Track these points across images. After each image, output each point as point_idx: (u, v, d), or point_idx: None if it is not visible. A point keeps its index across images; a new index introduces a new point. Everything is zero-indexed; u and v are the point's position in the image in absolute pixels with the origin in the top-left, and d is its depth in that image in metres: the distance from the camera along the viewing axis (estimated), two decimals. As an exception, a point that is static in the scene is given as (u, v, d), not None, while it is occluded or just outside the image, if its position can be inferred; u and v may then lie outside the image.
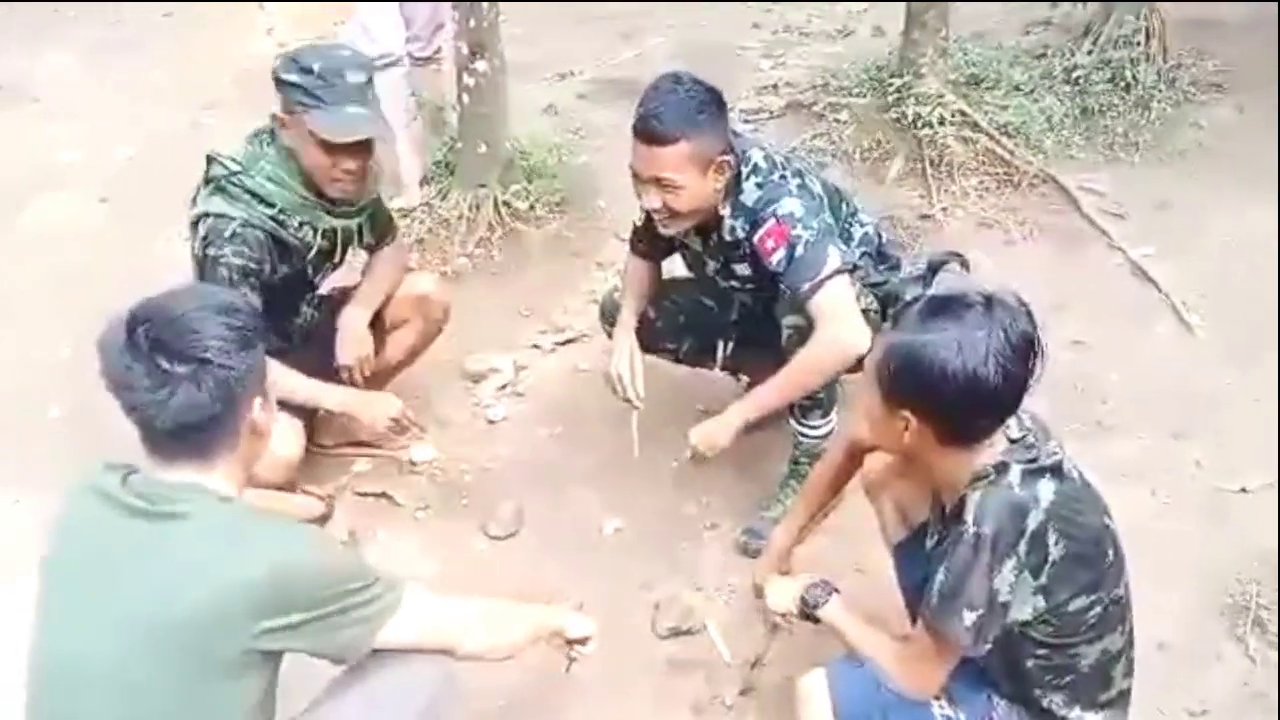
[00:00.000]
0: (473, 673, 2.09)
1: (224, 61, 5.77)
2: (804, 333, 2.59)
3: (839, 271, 2.54)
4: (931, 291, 1.79)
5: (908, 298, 1.80)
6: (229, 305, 1.74)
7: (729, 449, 2.72)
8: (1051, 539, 1.79)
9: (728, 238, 2.68)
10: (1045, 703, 1.96)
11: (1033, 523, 1.77)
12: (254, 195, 2.69)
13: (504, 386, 3.49)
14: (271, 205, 2.71)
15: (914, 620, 2.25)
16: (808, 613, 2.18)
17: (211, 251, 2.67)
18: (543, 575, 2.81)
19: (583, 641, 2.19)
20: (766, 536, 2.81)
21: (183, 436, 1.66)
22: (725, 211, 2.65)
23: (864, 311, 2.59)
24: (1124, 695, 2.01)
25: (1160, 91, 4.59)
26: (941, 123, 4.35)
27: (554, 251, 4.12)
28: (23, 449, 3.32)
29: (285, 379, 2.64)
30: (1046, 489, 1.80)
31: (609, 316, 3.11)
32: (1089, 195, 4.15)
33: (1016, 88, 4.63)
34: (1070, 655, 1.91)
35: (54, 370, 3.63)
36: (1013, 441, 1.86)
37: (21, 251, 4.29)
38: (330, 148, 2.65)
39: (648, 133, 2.55)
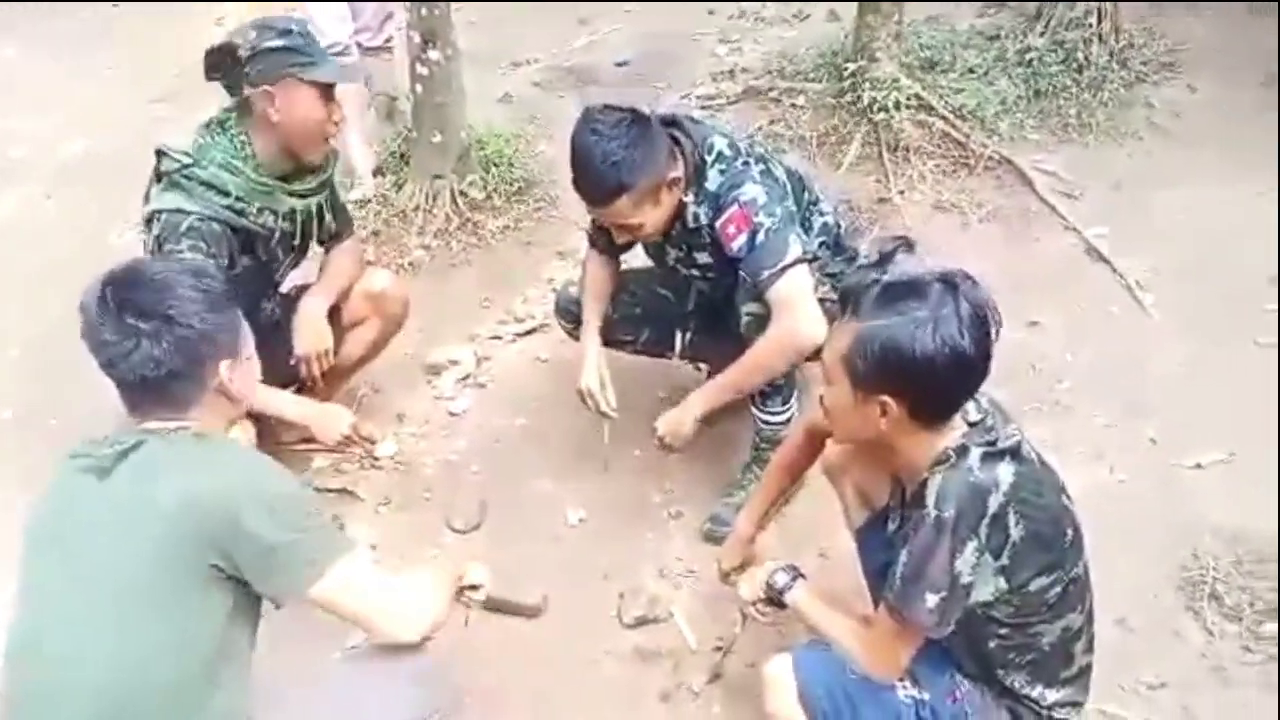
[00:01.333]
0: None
1: (174, 54, 5.65)
2: (762, 320, 2.59)
3: (799, 261, 2.54)
4: (886, 277, 1.80)
5: (863, 285, 1.80)
6: (199, 269, 1.87)
7: (701, 438, 2.75)
8: (1012, 520, 1.80)
9: (690, 224, 2.68)
10: (1008, 682, 1.99)
11: (993, 505, 1.79)
12: (208, 186, 2.65)
13: (465, 378, 3.48)
14: (227, 194, 2.66)
15: (877, 603, 2.28)
16: (774, 597, 2.19)
17: (168, 247, 2.62)
18: (508, 567, 2.78)
19: (474, 588, 2.16)
20: (730, 523, 2.83)
21: (147, 389, 1.76)
22: (689, 199, 2.65)
23: (821, 301, 2.60)
24: (1085, 671, 2.04)
25: (1112, 72, 4.62)
26: (897, 107, 4.36)
27: (512, 241, 4.10)
28: (-27, 452, 3.26)
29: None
30: (1006, 471, 1.82)
31: (564, 311, 3.11)
32: (1043, 176, 4.17)
33: (970, 70, 4.65)
34: (1031, 634, 1.93)
35: (4, 371, 3.58)
36: (971, 424, 1.87)
37: (-33, 249, 4.21)
38: (329, 99, 2.69)
39: (586, 195, 2.61)
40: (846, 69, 4.52)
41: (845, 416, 1.91)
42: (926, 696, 1.99)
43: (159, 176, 2.71)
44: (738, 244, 2.57)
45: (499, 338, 3.66)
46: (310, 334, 2.87)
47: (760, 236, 2.54)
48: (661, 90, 5.03)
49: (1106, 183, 4.17)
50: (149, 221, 2.69)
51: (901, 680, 2.00)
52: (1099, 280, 3.71)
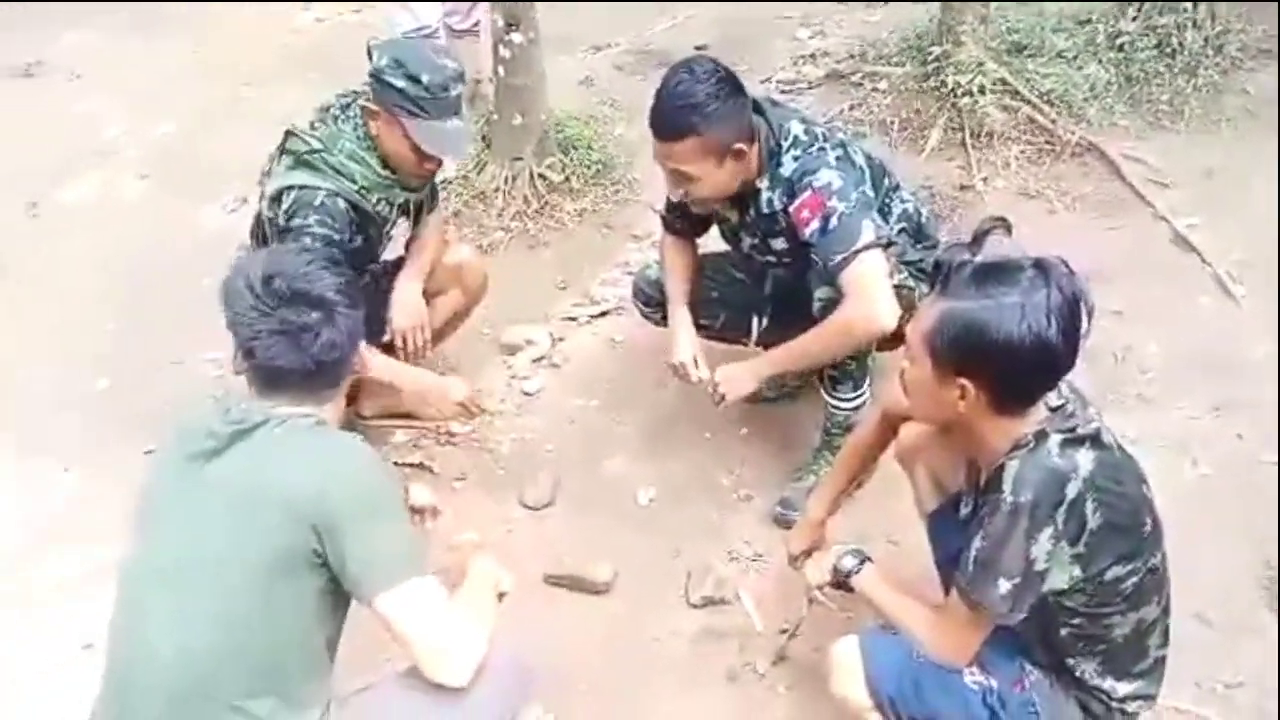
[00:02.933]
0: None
1: (262, 36, 5.80)
2: (835, 304, 2.58)
3: (872, 245, 2.52)
4: (979, 258, 1.78)
5: (954, 264, 1.79)
6: (333, 259, 1.98)
7: (769, 421, 2.74)
8: (1089, 508, 1.78)
9: (765, 210, 2.67)
10: (1078, 672, 1.96)
11: (1071, 491, 1.77)
12: (337, 171, 2.76)
13: (540, 358, 3.51)
14: (354, 181, 2.77)
15: (947, 589, 2.26)
16: (841, 581, 2.19)
17: (297, 221, 2.72)
18: (578, 544, 2.84)
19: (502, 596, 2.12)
20: (799, 507, 2.84)
21: (305, 375, 1.80)
22: (763, 184, 2.65)
23: (897, 288, 2.59)
24: (1158, 665, 2.00)
25: (1207, 58, 4.49)
26: (982, 91, 4.29)
27: (589, 224, 4.12)
28: (72, 420, 3.39)
29: (366, 355, 2.72)
30: (1085, 458, 1.79)
31: (642, 294, 3.11)
32: (1133, 164, 4.08)
33: (1059, 55, 4.54)
34: (1105, 625, 1.90)
35: (100, 343, 3.71)
36: (1052, 410, 1.85)
37: (64, 227, 4.35)
38: (425, 154, 2.74)
39: (656, 127, 2.60)
40: (931, 53, 4.46)
41: (924, 396, 1.89)
42: (994, 684, 1.98)
43: (284, 153, 2.81)
44: (811, 228, 2.56)
45: (574, 319, 3.68)
46: (409, 311, 2.97)
47: (834, 221, 2.53)
48: (742, 74, 5.00)
49: (1198, 171, 4.07)
50: (277, 197, 2.77)
51: (969, 666, 1.98)
52: (1188, 270, 3.62)
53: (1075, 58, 4.54)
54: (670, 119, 2.54)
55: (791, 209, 2.59)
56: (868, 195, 2.62)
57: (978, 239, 1.82)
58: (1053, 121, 4.26)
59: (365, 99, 2.77)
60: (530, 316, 3.67)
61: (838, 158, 2.62)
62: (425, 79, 2.66)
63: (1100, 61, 4.52)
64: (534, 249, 4.02)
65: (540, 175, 4.18)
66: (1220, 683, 2.37)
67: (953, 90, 4.34)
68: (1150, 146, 4.21)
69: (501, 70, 4.10)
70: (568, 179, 4.22)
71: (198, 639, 1.75)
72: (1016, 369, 1.77)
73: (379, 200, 2.84)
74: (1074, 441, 1.81)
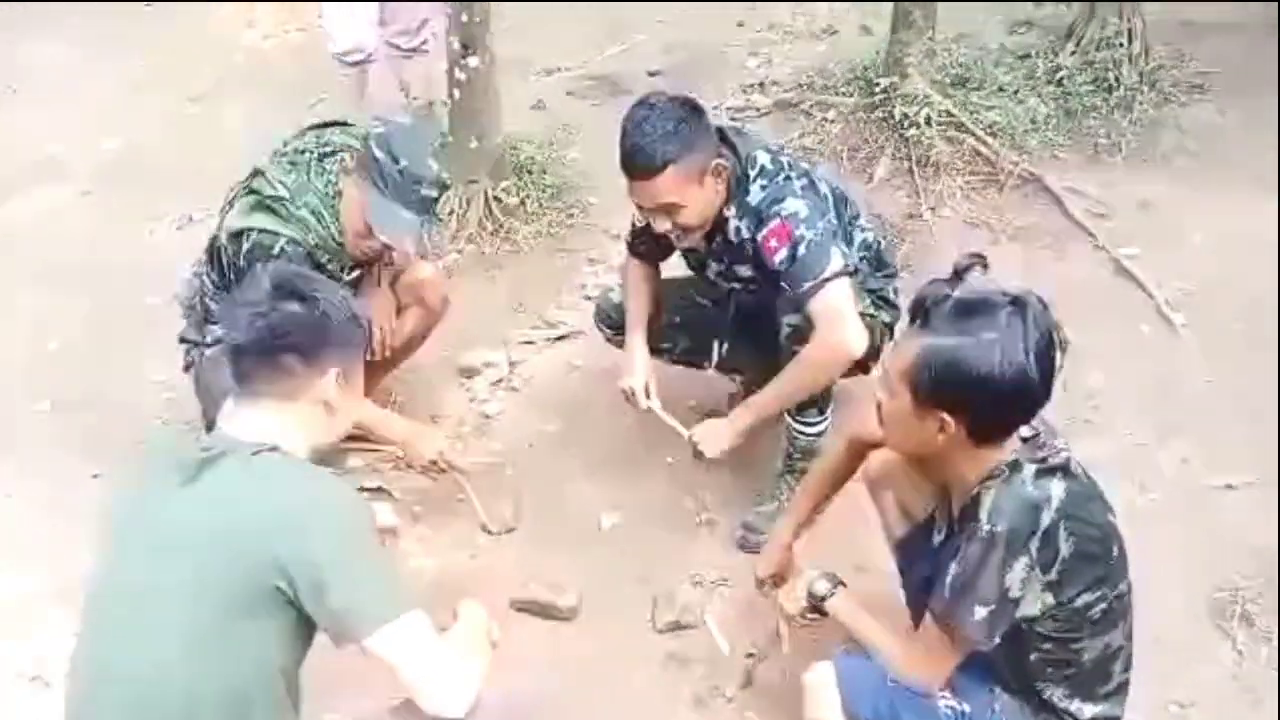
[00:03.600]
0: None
1: (208, 53, 5.73)
2: (803, 331, 2.62)
3: (840, 274, 2.57)
4: (957, 294, 1.82)
5: (935, 299, 1.83)
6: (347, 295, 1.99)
7: (737, 447, 2.79)
8: (1062, 536, 1.83)
9: (732, 239, 2.70)
10: (1046, 695, 2.00)
11: (1045, 521, 1.82)
12: (298, 222, 2.75)
13: (499, 381, 3.51)
14: (311, 235, 2.77)
15: (916, 615, 2.30)
16: (815, 605, 2.22)
17: (258, 267, 2.68)
18: (542, 570, 2.83)
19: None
20: (762, 531, 2.87)
21: (266, 356, 1.80)
22: (730, 212, 2.68)
23: (861, 315, 2.64)
24: (1122, 688, 2.05)
25: (1142, 93, 4.64)
26: (928, 123, 4.38)
27: (545, 247, 4.14)
28: (14, 442, 3.30)
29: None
30: (1058, 488, 1.84)
31: (605, 316, 3.13)
32: (1073, 196, 4.19)
33: (1001, 88, 4.66)
34: (1073, 649, 1.95)
35: (44, 363, 3.62)
36: (1024, 440, 1.90)
37: (6, 245, 4.25)
38: (370, 232, 2.74)
39: (634, 169, 2.61)
40: (878, 84, 4.55)
41: (901, 428, 1.93)
42: (967, 708, 2.01)
43: (249, 191, 2.79)
44: (779, 257, 2.59)
45: (532, 342, 3.69)
46: (379, 303, 2.98)
47: (801, 249, 2.57)
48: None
49: (1135, 203, 4.19)
50: (237, 235, 2.75)
51: (942, 691, 2.02)
52: (1129, 300, 3.73)
53: (1016, 91, 4.66)
54: (646, 156, 2.56)
55: (759, 238, 2.62)
56: (833, 224, 2.67)
57: (958, 274, 1.87)
58: (996, 153, 4.37)
59: (351, 155, 2.79)
60: (487, 339, 3.67)
61: (803, 186, 2.66)
62: (403, 163, 2.68)
63: (1040, 95, 4.65)
64: (489, 271, 4.01)
65: (495, 198, 4.18)
66: (1174, 703, 2.44)
67: (900, 121, 4.42)
68: (1089, 178, 4.33)
69: (457, 93, 4.10)
70: (523, 202, 4.23)
71: (160, 670, 1.72)
72: (995, 404, 1.81)
73: (328, 260, 2.83)
74: (1047, 471, 1.86)
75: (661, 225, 2.70)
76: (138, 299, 3.89)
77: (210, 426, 2.85)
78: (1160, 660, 2.52)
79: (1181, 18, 5.12)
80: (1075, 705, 2.01)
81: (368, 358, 2.90)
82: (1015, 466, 1.86)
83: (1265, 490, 2.95)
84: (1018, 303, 1.80)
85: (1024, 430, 1.91)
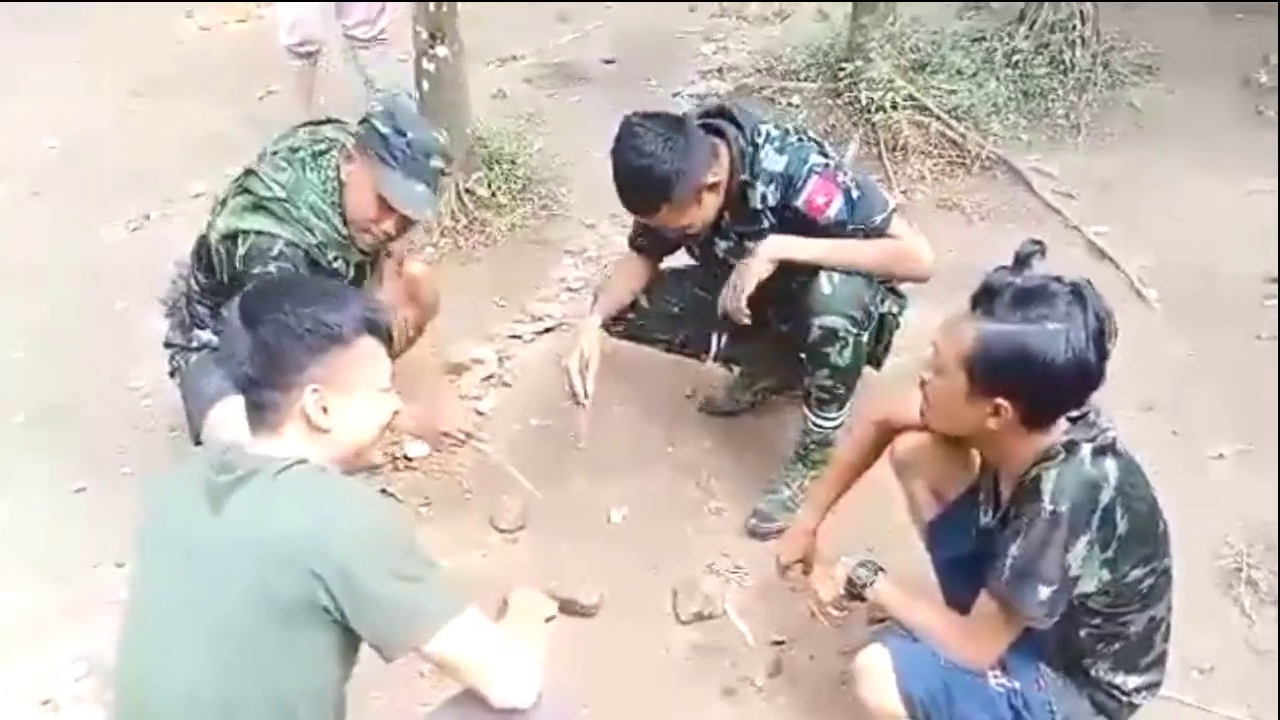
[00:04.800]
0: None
1: (145, 46, 5.55)
2: (833, 333, 2.65)
3: (896, 207, 2.70)
4: (1019, 280, 1.84)
5: (1000, 285, 1.84)
6: (334, 291, 1.85)
7: (732, 433, 2.90)
8: (1119, 514, 1.86)
9: (756, 205, 2.69)
10: (1093, 670, 2.04)
11: (1104, 499, 1.85)
12: (298, 222, 2.67)
13: (489, 377, 3.46)
14: (313, 235, 2.68)
15: (946, 593, 2.33)
16: (855, 593, 2.22)
17: (256, 269, 2.62)
18: (556, 566, 2.79)
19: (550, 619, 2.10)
20: (775, 519, 2.89)
21: (246, 396, 1.73)
22: (745, 176, 2.67)
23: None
24: (1162, 657, 2.10)
25: (1096, 74, 4.75)
26: (894, 107, 4.44)
27: (520, 239, 4.09)
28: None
29: None
30: (1112, 466, 1.87)
31: None
32: (1040, 177, 4.28)
33: (959, 72, 4.73)
34: (1121, 623, 1.99)
35: (10, 373, 3.47)
36: (1073, 420, 1.92)
37: (-44, 251, 4.07)
38: (383, 209, 2.65)
39: (629, 207, 2.71)
40: (843, 69, 4.58)
41: (951, 410, 1.94)
42: (1017, 685, 2.03)
43: (242, 192, 2.70)
44: (835, 209, 2.62)
45: (518, 337, 3.64)
46: (389, 292, 2.92)
47: (855, 193, 2.63)
48: (651, 89, 5.05)
49: (1098, 182, 4.30)
50: (233, 237, 2.66)
51: (993, 669, 2.04)
52: (1102, 277, 3.75)
53: (975, 74, 4.73)
54: (638, 201, 2.65)
55: (799, 202, 2.63)
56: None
57: (1021, 261, 1.88)
58: (962, 136, 4.44)
59: (349, 142, 2.71)
60: (472, 335, 3.61)
61: (817, 145, 2.71)
62: (410, 135, 2.62)
63: (998, 79, 4.73)
64: (466, 265, 3.95)
65: (468, 190, 4.12)
66: (1194, 669, 2.50)
67: (866, 106, 4.47)
68: (1052, 159, 4.42)
69: (425, 84, 4.02)
70: (494, 194, 4.17)
71: (201, 689, 1.66)
72: (1055, 389, 1.84)
73: (335, 257, 2.75)
74: (1101, 450, 1.89)
75: (672, 235, 2.79)
76: (102, 303, 3.75)
77: (196, 434, 2.78)
78: (1175, 628, 2.58)
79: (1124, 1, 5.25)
80: (1120, 678, 2.05)
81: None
82: (1071, 447, 1.88)
83: (1256, 458, 3.04)
84: (1076, 291, 1.83)
85: (1073, 411, 1.93)
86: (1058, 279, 1.85)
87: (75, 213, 4.26)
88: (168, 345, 2.97)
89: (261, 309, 1.72)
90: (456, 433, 2.83)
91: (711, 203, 2.68)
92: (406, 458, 3.12)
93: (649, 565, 2.83)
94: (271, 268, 2.61)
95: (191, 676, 1.66)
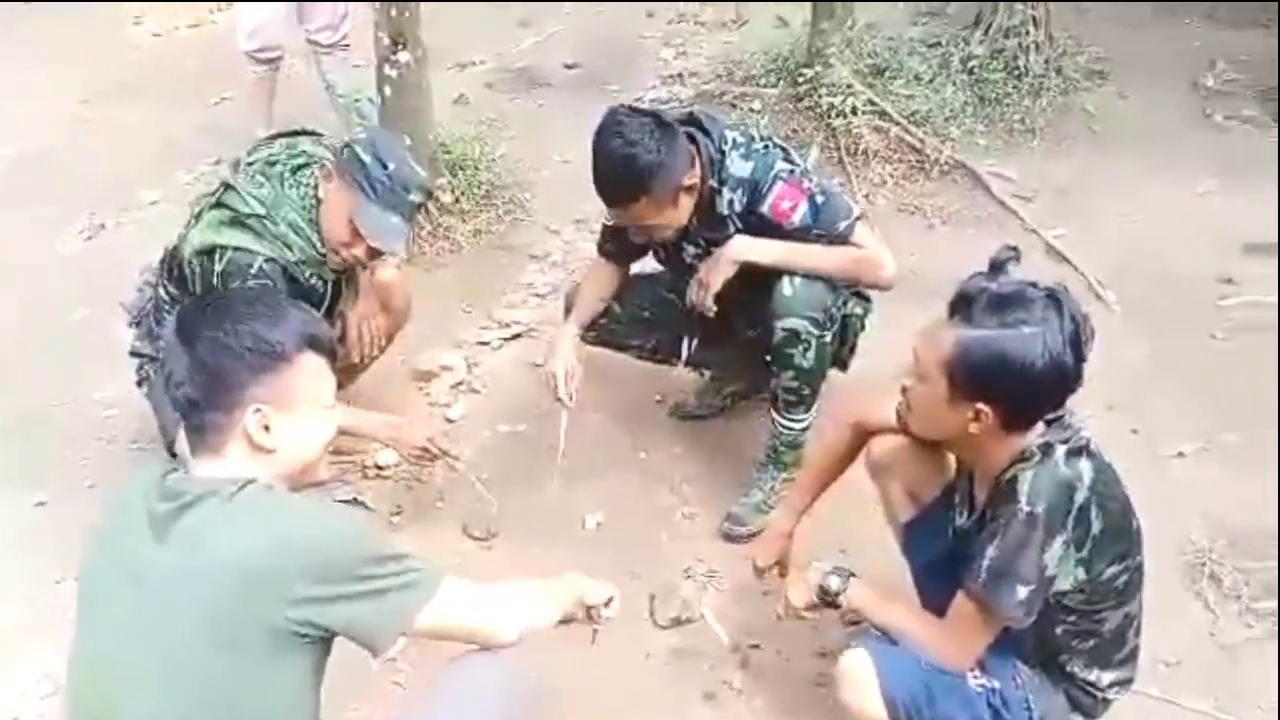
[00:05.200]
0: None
1: (96, 53, 5.49)
2: (798, 335, 2.67)
3: (861, 215, 2.71)
4: (994, 286, 1.86)
5: (975, 290, 1.87)
6: (278, 304, 1.78)
7: (702, 438, 2.93)
8: (1093, 513, 1.90)
9: (723, 211, 2.70)
10: (1068, 667, 2.07)
11: (1079, 499, 1.88)
12: (276, 239, 2.66)
13: (458, 384, 3.44)
14: (291, 251, 2.67)
15: (922, 594, 2.35)
16: (829, 600, 2.24)
17: (234, 285, 2.60)
18: (534, 573, 2.75)
19: (606, 604, 2.15)
20: (748, 522, 2.91)
21: (185, 418, 1.67)
22: (713, 183, 2.68)
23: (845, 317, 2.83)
24: (1135, 652, 2.14)
25: (1049, 79, 4.84)
26: (854, 112, 4.48)
27: (485, 245, 4.08)
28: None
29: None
30: (1086, 466, 1.91)
31: (571, 311, 3.10)
32: (998, 181, 4.35)
33: (917, 77, 4.80)
34: (1096, 620, 2.02)
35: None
36: (1049, 423, 1.96)
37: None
38: (356, 235, 2.65)
39: (606, 197, 2.67)
40: (802, 74, 4.62)
41: (932, 415, 1.97)
42: (996, 684, 2.06)
43: (218, 205, 2.67)
44: (800, 214, 2.64)
45: (486, 343, 3.63)
46: (364, 303, 2.94)
47: (820, 199, 2.65)
48: (613, 94, 5.06)
49: (1054, 186, 4.38)
50: (209, 253, 2.64)
51: (972, 670, 2.07)
52: (1062, 280, 3.81)
53: (932, 80, 4.80)
54: (618, 189, 2.61)
55: (765, 208, 2.65)
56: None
57: (996, 267, 1.91)
58: (921, 141, 4.49)
59: (327, 159, 2.71)
60: (440, 342, 3.60)
61: (783, 151, 2.73)
62: (391, 168, 2.62)
63: (955, 84, 4.80)
64: (432, 272, 3.94)
65: (431, 196, 4.09)
66: (1161, 663, 2.55)
67: (826, 111, 4.51)
68: (1009, 163, 4.50)
69: (388, 90, 3.99)
70: (459, 200, 4.16)
71: None
72: (1033, 394, 1.87)
73: (312, 274, 2.75)
74: (1075, 452, 1.92)
75: (638, 236, 2.77)
76: (60, 313, 3.69)
77: (170, 444, 2.74)
78: (1142, 622, 2.65)
79: (1075, 6, 5.35)
80: (1095, 674, 2.08)
81: (347, 362, 2.86)
82: (1046, 449, 1.91)
83: (1214, 456, 3.11)
84: (1052, 295, 1.86)
85: (1050, 413, 1.97)
86: (1033, 284, 1.88)
87: (29, 221, 4.19)
88: (134, 354, 2.93)
89: (199, 327, 1.66)
90: (431, 448, 2.81)
91: (686, 206, 2.69)
92: (378, 466, 3.10)
93: (625, 571, 2.81)
94: (250, 285, 2.59)
95: (149, 711, 1.60)
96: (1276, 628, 2.64)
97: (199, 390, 1.64)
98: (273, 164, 2.71)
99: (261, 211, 2.64)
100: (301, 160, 2.72)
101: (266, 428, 1.66)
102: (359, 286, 2.98)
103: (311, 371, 1.72)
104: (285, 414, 1.68)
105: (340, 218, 2.65)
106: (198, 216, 2.71)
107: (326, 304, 2.84)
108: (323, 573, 1.60)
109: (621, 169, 2.56)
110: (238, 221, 2.64)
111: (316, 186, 2.68)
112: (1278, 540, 2.79)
